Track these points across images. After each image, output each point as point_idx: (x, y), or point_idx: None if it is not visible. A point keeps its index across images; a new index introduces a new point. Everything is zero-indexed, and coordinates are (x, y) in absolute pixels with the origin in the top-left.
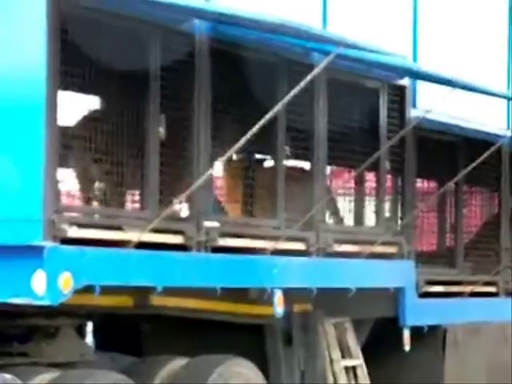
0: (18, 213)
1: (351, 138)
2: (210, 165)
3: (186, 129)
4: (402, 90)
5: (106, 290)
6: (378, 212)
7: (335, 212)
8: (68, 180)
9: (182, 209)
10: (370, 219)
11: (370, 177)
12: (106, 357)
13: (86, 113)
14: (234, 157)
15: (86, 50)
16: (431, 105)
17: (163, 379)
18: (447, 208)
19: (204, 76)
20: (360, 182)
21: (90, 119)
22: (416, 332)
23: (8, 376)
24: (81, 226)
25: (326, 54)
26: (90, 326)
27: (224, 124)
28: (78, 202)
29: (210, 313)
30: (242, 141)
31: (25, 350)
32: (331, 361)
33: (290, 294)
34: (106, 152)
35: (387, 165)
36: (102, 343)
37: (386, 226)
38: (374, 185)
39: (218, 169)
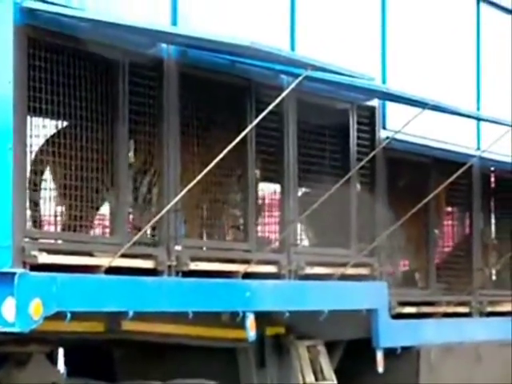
0: None
1: (321, 160)
2: (180, 189)
3: (155, 153)
4: (371, 111)
5: (77, 316)
6: (349, 233)
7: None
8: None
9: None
10: (341, 241)
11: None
12: (78, 383)
13: (54, 138)
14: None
15: (53, 75)
16: (401, 126)
17: None
18: (419, 229)
19: (173, 100)
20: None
21: (59, 144)
22: (390, 353)
23: None
24: (51, 252)
25: (295, 76)
26: (61, 353)
27: (194, 148)
28: (48, 229)
29: (182, 337)
30: (211, 165)
31: None
32: None
33: (263, 317)
34: (76, 177)
35: (358, 186)
36: (73, 369)
37: (358, 247)
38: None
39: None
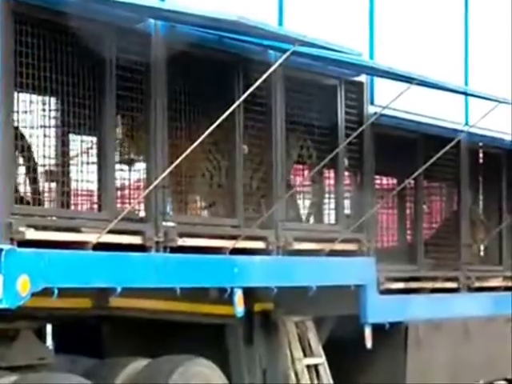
0: None
1: (309, 136)
2: (168, 164)
3: (142, 129)
4: (359, 86)
5: (65, 292)
6: (338, 209)
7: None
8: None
9: None
10: (329, 216)
11: (330, 174)
12: (65, 359)
13: (41, 114)
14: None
15: (40, 50)
16: (389, 101)
17: (124, 380)
18: (407, 204)
19: (160, 76)
20: (319, 179)
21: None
22: (378, 329)
23: None
24: (38, 228)
25: (283, 51)
26: (49, 329)
27: (181, 124)
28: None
29: (170, 313)
30: (199, 140)
31: None
32: (293, 359)
33: (251, 293)
34: (63, 153)
35: (346, 162)
36: (61, 345)
37: (346, 223)
38: (333, 182)
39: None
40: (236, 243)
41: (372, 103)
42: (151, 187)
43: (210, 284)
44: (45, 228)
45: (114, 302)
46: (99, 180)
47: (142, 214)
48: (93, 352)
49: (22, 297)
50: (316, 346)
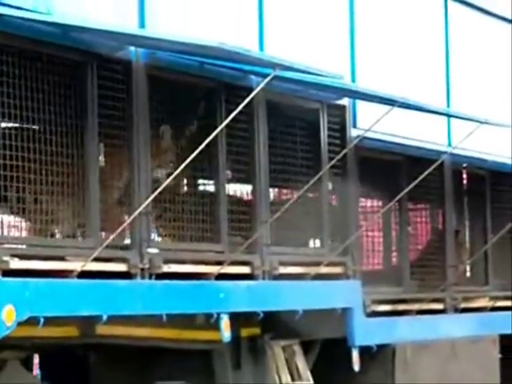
0: None
1: (292, 160)
2: (151, 191)
3: (125, 156)
4: (341, 110)
5: (51, 321)
6: (322, 232)
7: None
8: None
9: None
10: (314, 240)
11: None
12: None
13: (22, 143)
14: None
15: (21, 79)
16: (371, 124)
17: None
18: (392, 226)
19: (142, 103)
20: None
21: (27, 149)
22: (365, 352)
23: None
24: (23, 257)
25: (264, 76)
26: (36, 359)
27: (164, 150)
28: (18, 234)
29: (157, 340)
30: (182, 166)
31: None
32: None
33: (237, 318)
34: (46, 182)
35: (329, 185)
36: (49, 375)
37: (331, 246)
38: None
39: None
40: (221, 269)
41: (355, 126)
42: (135, 214)
43: (196, 310)
44: (29, 257)
45: (101, 330)
46: (83, 208)
47: (127, 241)
48: (80, 381)
49: (8, 326)
50: (304, 369)
